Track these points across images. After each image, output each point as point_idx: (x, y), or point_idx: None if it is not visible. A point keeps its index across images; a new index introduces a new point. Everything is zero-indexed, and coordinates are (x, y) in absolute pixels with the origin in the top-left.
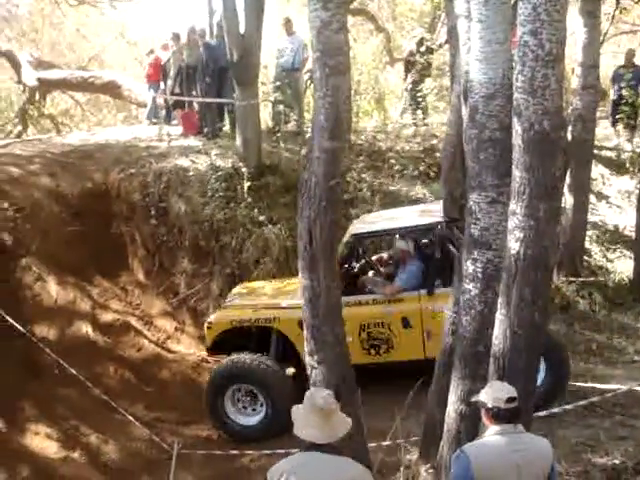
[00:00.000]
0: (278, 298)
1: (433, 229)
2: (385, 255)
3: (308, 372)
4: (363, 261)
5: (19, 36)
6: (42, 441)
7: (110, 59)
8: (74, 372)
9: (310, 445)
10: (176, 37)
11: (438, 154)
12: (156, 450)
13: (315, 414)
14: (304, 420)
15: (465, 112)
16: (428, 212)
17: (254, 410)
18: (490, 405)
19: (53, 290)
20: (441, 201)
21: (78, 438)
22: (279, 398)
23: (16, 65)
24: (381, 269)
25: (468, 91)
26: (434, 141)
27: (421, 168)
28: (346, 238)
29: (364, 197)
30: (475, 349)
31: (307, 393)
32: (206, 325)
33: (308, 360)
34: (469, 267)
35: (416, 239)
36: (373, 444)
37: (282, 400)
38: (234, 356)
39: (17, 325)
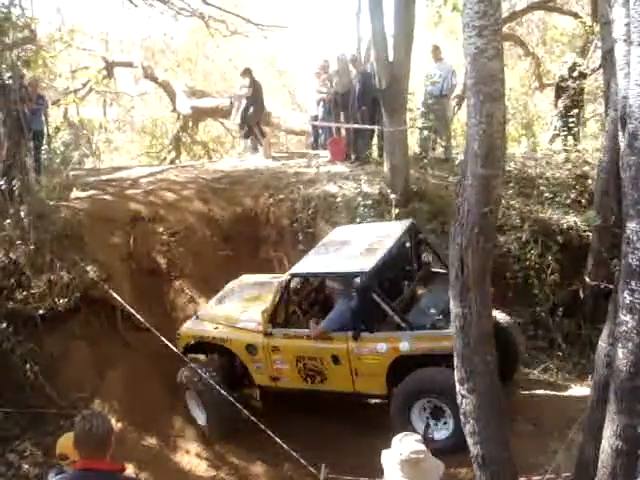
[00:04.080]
0: (242, 315)
1: (356, 277)
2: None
3: (458, 401)
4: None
5: (174, 66)
6: (192, 459)
7: None
8: (223, 392)
9: None
10: (325, 65)
11: (590, 181)
12: (303, 473)
13: (405, 463)
14: (395, 470)
15: (623, 138)
16: (372, 249)
17: None
18: None
19: None
20: (403, 223)
21: (226, 458)
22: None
23: (171, 94)
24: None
25: (627, 117)
26: (586, 168)
27: (572, 195)
28: (286, 278)
29: (513, 224)
30: (632, 383)
31: (395, 439)
32: (177, 334)
33: (458, 389)
34: (626, 298)
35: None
36: (522, 478)
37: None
38: None
39: (170, 345)
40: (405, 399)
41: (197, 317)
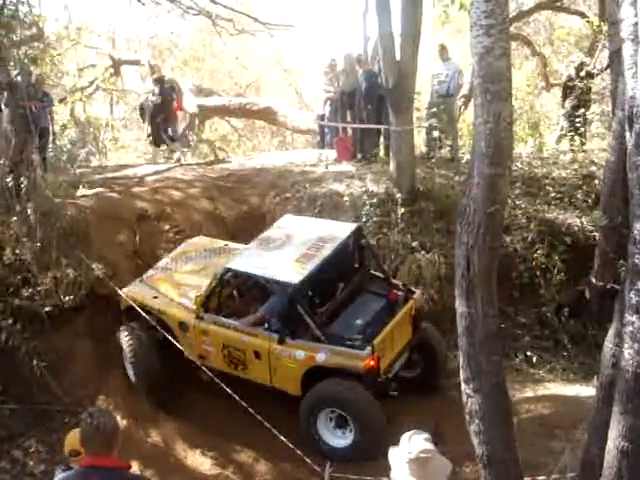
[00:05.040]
0: (180, 288)
1: (288, 287)
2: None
3: (463, 400)
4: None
5: (182, 65)
6: (198, 457)
7: (266, 86)
8: (229, 391)
9: None
10: (332, 64)
11: (597, 181)
12: (308, 472)
13: (413, 462)
14: (403, 468)
15: (630, 138)
16: (309, 255)
17: None
18: None
19: None
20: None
21: (232, 456)
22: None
23: (178, 93)
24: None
25: (634, 117)
26: (593, 168)
27: (579, 195)
28: (221, 270)
29: (519, 224)
30: (638, 384)
31: (404, 437)
32: (118, 295)
33: (463, 388)
34: (632, 298)
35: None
36: (528, 478)
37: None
38: None
39: (175, 342)
40: (311, 407)
41: (141, 280)
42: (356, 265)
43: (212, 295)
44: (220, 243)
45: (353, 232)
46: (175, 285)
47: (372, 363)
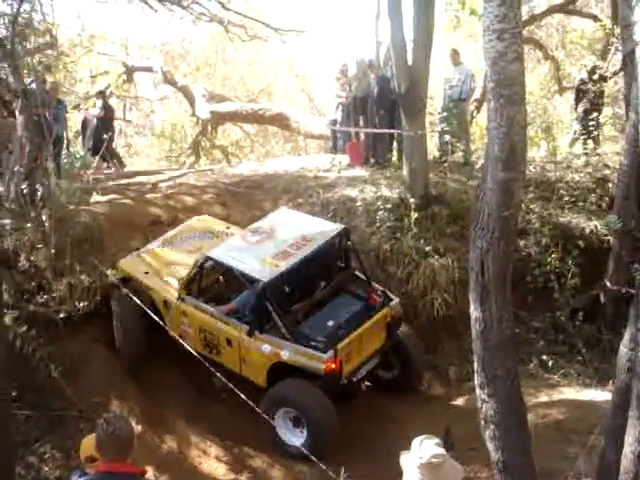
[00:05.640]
0: (171, 267)
1: (258, 283)
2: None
3: (478, 405)
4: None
5: (194, 71)
6: (212, 463)
7: (279, 91)
8: (243, 396)
9: None
10: (343, 69)
11: (610, 185)
12: (322, 477)
13: (424, 467)
14: (414, 473)
15: None
16: (288, 253)
17: None
18: None
19: None
20: (336, 227)
21: (246, 461)
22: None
23: (191, 99)
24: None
25: None
26: (606, 171)
27: (592, 199)
28: (201, 257)
29: (533, 228)
30: None
31: (415, 442)
32: (114, 266)
33: (478, 393)
34: None
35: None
36: None
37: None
38: None
39: (189, 347)
40: (269, 405)
41: (138, 254)
42: (340, 265)
43: (193, 280)
44: (222, 226)
45: (338, 233)
46: (167, 263)
47: (333, 366)
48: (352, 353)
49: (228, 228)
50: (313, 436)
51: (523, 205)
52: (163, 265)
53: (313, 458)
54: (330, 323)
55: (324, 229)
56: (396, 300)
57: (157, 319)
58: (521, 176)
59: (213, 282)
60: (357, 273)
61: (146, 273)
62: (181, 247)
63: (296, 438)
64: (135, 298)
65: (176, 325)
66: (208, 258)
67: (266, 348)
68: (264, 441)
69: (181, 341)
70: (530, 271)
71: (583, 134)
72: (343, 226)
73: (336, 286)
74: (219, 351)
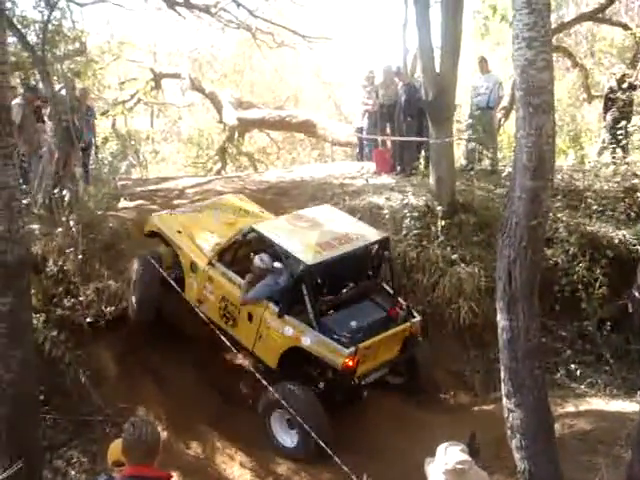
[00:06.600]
0: (206, 232)
1: (297, 264)
2: None
3: (504, 415)
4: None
5: (222, 78)
6: (237, 469)
7: (305, 98)
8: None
9: None
10: (370, 76)
11: (639, 194)
12: None
13: (449, 473)
14: (439, 479)
15: None
16: (330, 245)
17: None
18: None
19: None
20: (378, 233)
21: (270, 467)
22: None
23: (218, 105)
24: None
25: None
26: (635, 180)
27: (621, 208)
28: (246, 227)
29: (561, 237)
30: None
31: (440, 449)
32: (149, 217)
33: (505, 403)
34: None
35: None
36: None
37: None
38: None
39: (174, 284)
40: (265, 407)
41: (173, 212)
42: (370, 272)
43: (230, 248)
44: (257, 208)
45: (380, 240)
46: (200, 228)
47: (350, 363)
48: (368, 357)
49: (262, 212)
50: (304, 438)
51: (551, 214)
52: (197, 229)
53: (337, 460)
54: (353, 323)
55: (368, 232)
56: (418, 318)
57: (175, 286)
58: (549, 185)
59: (244, 257)
60: (383, 285)
61: (179, 232)
62: (216, 217)
63: (290, 439)
64: (156, 265)
65: (198, 289)
66: (253, 230)
67: (288, 330)
68: None
69: (196, 309)
70: (557, 280)
71: (612, 143)
72: (386, 234)
73: (363, 291)
74: (236, 324)
